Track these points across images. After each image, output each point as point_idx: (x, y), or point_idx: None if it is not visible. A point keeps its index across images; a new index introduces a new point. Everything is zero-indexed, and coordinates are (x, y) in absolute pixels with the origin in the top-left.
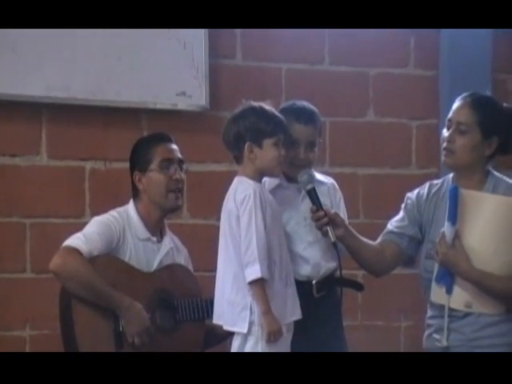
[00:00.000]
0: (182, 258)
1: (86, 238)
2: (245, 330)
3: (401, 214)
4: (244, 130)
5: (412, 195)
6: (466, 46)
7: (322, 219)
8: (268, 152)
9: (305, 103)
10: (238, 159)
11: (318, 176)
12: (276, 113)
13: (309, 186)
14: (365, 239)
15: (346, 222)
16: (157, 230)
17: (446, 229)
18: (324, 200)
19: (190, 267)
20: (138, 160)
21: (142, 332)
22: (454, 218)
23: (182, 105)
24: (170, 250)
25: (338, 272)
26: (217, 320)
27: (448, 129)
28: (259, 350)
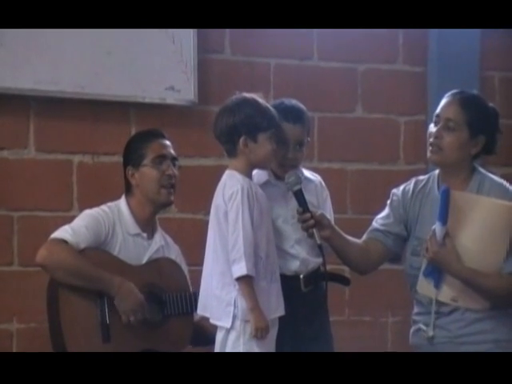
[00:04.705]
0: (174, 256)
1: (73, 230)
2: (228, 325)
3: (386, 210)
4: (239, 124)
5: (397, 191)
6: (455, 42)
7: (308, 221)
8: (263, 146)
9: (293, 102)
10: (230, 152)
11: (306, 173)
12: (269, 106)
13: (296, 188)
14: (350, 238)
15: (332, 220)
16: (148, 226)
17: (437, 228)
18: (311, 198)
19: (184, 265)
20: (132, 155)
21: (137, 308)
22: (444, 218)
23: (171, 99)
24: (160, 247)
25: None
26: (201, 311)
27: (436, 124)
28: (240, 344)
